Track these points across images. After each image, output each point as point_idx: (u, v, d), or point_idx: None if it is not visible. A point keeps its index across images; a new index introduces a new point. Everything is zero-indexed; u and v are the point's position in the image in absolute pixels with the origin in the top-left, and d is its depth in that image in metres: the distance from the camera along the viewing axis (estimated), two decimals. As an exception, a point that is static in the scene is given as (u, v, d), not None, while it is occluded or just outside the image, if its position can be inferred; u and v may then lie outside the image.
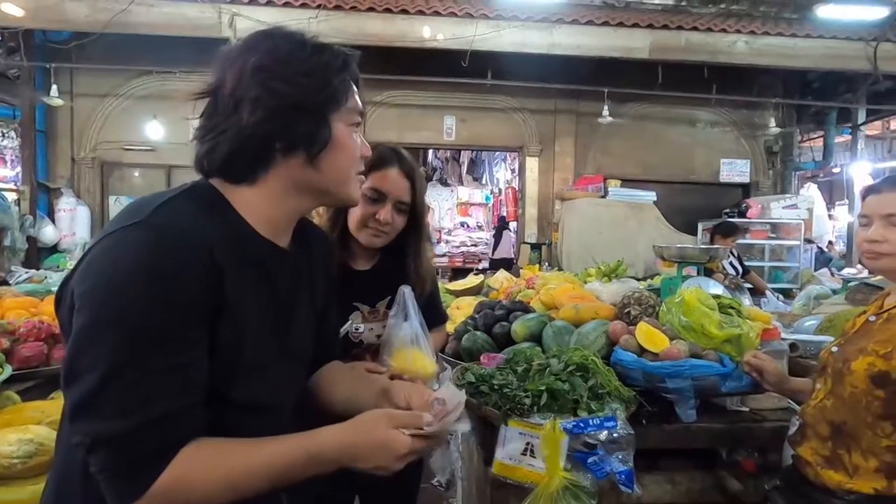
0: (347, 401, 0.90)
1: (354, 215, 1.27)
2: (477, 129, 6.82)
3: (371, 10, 5.37)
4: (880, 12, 5.47)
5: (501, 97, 6.68)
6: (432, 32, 5.54)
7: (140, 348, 0.63)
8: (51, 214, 6.13)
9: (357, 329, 1.35)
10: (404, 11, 5.43)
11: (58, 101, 5.70)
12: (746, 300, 1.92)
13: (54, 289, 2.77)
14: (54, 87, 5.62)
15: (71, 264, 4.90)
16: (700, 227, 6.78)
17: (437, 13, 5.47)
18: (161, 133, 6.26)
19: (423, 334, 1.25)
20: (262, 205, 0.75)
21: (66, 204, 6.05)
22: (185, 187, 0.75)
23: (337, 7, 5.32)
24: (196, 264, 0.66)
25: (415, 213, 1.32)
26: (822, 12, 5.59)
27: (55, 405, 1.67)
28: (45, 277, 3.29)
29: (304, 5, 5.27)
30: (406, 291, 1.27)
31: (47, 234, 5.89)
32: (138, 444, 0.63)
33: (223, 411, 0.71)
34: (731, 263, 4.43)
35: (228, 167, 0.74)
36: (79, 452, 0.66)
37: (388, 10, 5.39)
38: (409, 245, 1.36)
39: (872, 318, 1.17)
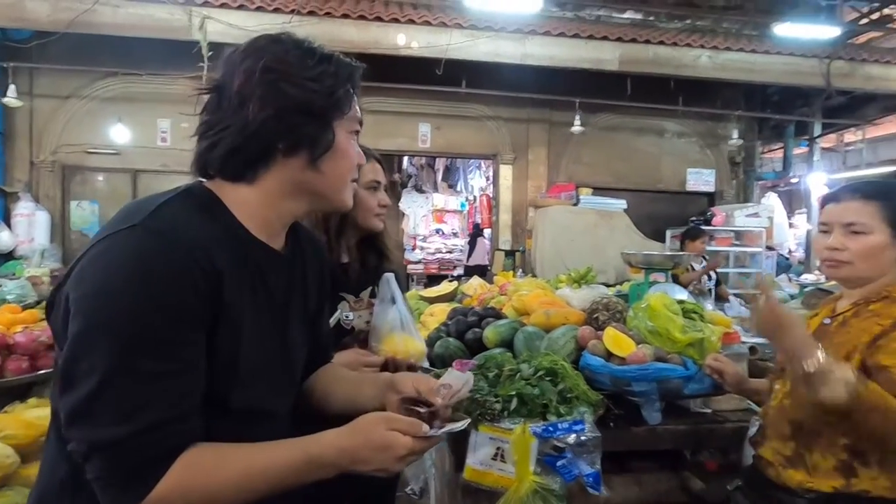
0: (347, 401, 0.90)
1: (366, 206, 1.37)
2: (451, 136, 6.88)
3: (345, 16, 5.37)
4: (833, 31, 5.78)
5: (476, 105, 6.75)
6: (407, 40, 5.57)
7: (135, 354, 0.62)
8: (7, 220, 5.85)
9: (347, 317, 1.41)
10: (378, 19, 5.44)
11: (16, 102, 5.48)
12: (709, 305, 1.98)
13: (9, 297, 2.66)
14: (12, 87, 5.40)
15: (29, 271, 4.71)
16: (668, 234, 6.97)
17: (411, 21, 5.50)
18: (126, 136, 6.08)
19: (410, 317, 1.34)
20: (258, 205, 0.76)
21: (24, 209, 5.79)
22: (179, 190, 0.75)
23: (311, 13, 5.30)
24: (193, 268, 0.66)
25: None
26: (780, 30, 5.87)
27: (7, 419, 1.60)
28: (0, 286, 3.14)
29: (277, 10, 5.23)
30: (390, 278, 1.35)
31: (2, 240, 5.62)
32: (135, 452, 0.62)
33: (221, 417, 0.71)
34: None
35: (229, 164, 0.74)
36: (64, 464, 0.66)
37: (362, 17, 5.40)
38: (380, 240, 1.47)
39: (827, 321, 1.20)
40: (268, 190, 0.75)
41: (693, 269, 4.46)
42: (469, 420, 0.80)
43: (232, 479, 0.67)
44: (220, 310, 0.69)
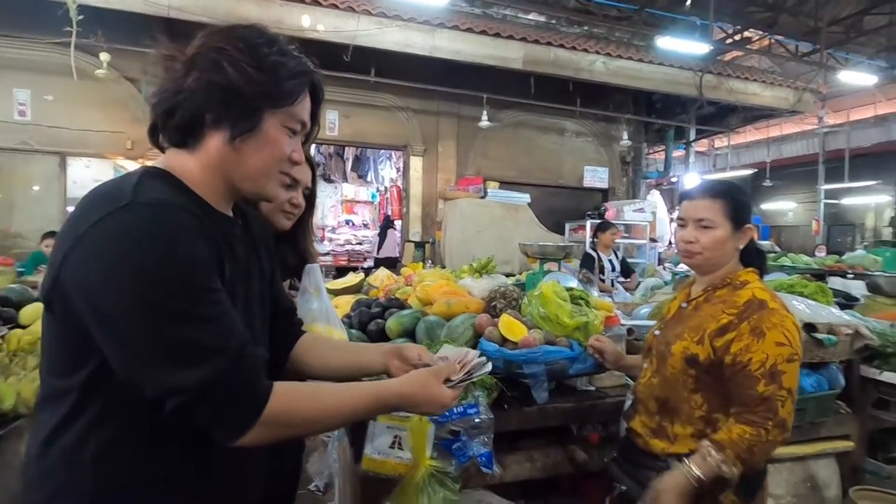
0: (350, 366, 1.03)
1: (274, 201, 1.30)
2: (360, 125, 6.74)
3: (244, -9, 5.02)
4: (703, 48, 6.50)
5: (385, 95, 6.68)
6: (312, 22, 5.34)
7: (191, 300, 0.68)
8: None
9: None
10: (281, -3, 5.16)
11: None
12: (595, 291, 2.15)
13: None
14: None
15: None
16: (567, 226, 7.46)
17: (317, 2, 5.28)
18: (-29, 108, 5.20)
19: (333, 308, 1.35)
20: (203, 175, 0.79)
21: None
22: (138, 171, 0.77)
23: (204, -17, 4.88)
24: (196, 227, 0.72)
25: (312, 197, 1.43)
26: (662, 43, 6.49)
27: None
28: None
29: (164, -24, 4.75)
30: (314, 269, 1.34)
31: None
32: (243, 366, 0.71)
33: None
34: (610, 261, 4.90)
35: (167, 126, 0.78)
36: (87, 449, 0.71)
37: (263, -6, 5.08)
38: (305, 226, 1.44)
39: (684, 305, 1.36)
40: (206, 161, 0.79)
41: (613, 264, 4.79)
42: (489, 365, 0.97)
43: (323, 410, 0.78)
44: (221, 269, 0.76)
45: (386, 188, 8.80)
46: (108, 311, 0.67)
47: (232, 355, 0.70)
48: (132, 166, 5.83)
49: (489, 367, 0.97)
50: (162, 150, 0.82)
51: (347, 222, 9.78)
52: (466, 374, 0.93)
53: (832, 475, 1.92)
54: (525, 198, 6.90)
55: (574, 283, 1.98)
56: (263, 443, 0.73)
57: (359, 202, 10.18)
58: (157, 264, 0.67)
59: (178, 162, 0.79)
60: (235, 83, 0.75)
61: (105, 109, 5.75)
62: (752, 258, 1.32)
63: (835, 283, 3.32)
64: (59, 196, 5.81)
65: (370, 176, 9.25)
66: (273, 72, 0.77)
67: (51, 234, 4.51)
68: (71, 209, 5.99)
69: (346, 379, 0.96)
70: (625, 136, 7.62)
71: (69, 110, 5.57)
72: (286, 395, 0.75)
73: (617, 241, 5.11)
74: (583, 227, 6.95)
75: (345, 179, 9.51)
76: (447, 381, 0.90)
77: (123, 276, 0.66)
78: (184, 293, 0.68)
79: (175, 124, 0.77)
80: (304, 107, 0.83)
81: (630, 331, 1.82)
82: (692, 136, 8.69)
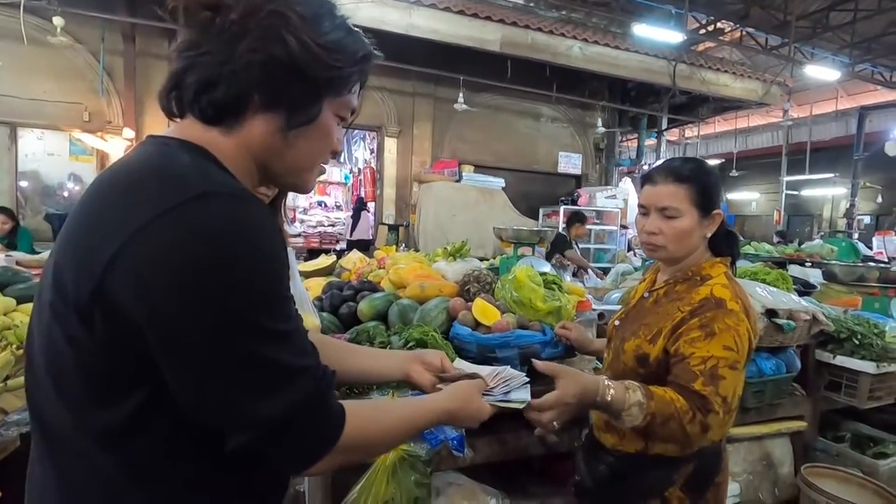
0: (367, 370, 0.99)
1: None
2: (334, 104, 6.58)
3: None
4: (678, 37, 6.57)
5: (360, 73, 6.53)
6: (284, -6, 5.13)
7: (278, 312, 0.60)
8: None
9: None
10: (251, -34, 4.92)
11: None
12: (567, 276, 2.17)
13: None
14: None
15: None
16: (541, 211, 7.52)
17: (289, -26, 5.07)
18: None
19: (306, 293, 1.33)
20: (238, 157, 0.67)
21: None
22: (172, 145, 0.64)
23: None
24: (274, 223, 0.64)
25: None
26: (638, 30, 6.52)
27: None
28: None
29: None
30: (289, 253, 1.26)
31: None
32: (321, 386, 0.64)
33: None
34: (577, 243, 5.05)
35: (201, 98, 0.64)
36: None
37: (231, -39, 4.83)
38: (277, 209, 1.38)
39: (646, 295, 1.28)
40: (244, 144, 0.66)
41: (577, 247, 4.92)
42: (528, 392, 0.96)
43: (388, 432, 0.74)
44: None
45: (359, 169, 8.66)
46: (190, 332, 0.55)
47: (313, 374, 0.63)
48: (89, 139, 5.54)
49: (527, 394, 0.95)
50: (172, 116, 0.68)
51: (320, 203, 9.60)
52: (504, 394, 0.94)
53: (786, 454, 2.02)
54: (500, 182, 6.90)
55: (547, 268, 1.99)
56: (327, 471, 0.66)
57: (331, 183, 10.00)
58: (248, 272, 0.57)
59: (208, 138, 0.65)
60: (300, 63, 0.63)
61: (60, 79, 5.42)
62: (723, 244, 1.23)
63: (794, 270, 3.46)
64: (9, 169, 5.49)
65: (343, 156, 9.07)
66: (337, 54, 0.66)
67: (0, 209, 4.26)
68: (24, 184, 5.68)
69: (357, 384, 0.93)
70: (599, 123, 7.68)
71: (20, 78, 5.23)
72: (357, 418, 0.67)
73: (587, 227, 5.22)
74: (556, 213, 7.02)
75: (317, 159, 9.28)
76: (484, 393, 0.92)
77: (212, 288, 0.55)
78: (273, 306, 0.59)
79: (215, 99, 0.63)
80: (356, 93, 0.74)
81: (601, 315, 1.84)
82: (664, 124, 8.83)
